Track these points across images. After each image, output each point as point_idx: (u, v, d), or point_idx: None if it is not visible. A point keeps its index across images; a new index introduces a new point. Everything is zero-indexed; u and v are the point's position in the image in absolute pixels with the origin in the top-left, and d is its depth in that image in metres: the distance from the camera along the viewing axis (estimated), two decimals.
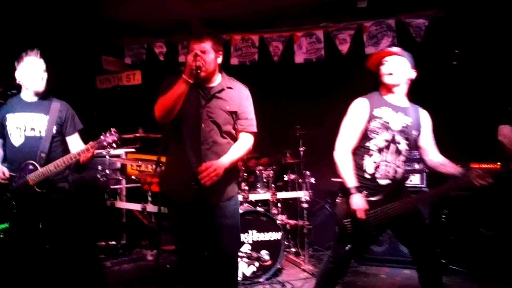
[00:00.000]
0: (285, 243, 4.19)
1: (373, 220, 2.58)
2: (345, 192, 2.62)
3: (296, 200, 4.49)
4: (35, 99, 3.09)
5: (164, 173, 2.65)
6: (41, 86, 3.05)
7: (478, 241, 3.95)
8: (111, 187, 4.81)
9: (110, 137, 3.01)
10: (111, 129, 3.05)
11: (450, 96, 4.50)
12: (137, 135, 4.65)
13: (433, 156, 2.76)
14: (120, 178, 5.01)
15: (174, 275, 3.88)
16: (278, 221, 4.06)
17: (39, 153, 2.99)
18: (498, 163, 3.91)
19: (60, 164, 2.95)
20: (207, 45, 2.43)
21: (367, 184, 2.65)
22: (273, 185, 4.46)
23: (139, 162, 5.00)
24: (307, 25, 5.04)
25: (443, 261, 3.98)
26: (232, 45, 5.21)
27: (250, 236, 3.86)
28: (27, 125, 3.04)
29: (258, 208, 4.13)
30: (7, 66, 3.12)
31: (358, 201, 2.55)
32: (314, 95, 5.22)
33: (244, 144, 2.56)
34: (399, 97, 2.72)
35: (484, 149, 4.02)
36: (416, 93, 2.80)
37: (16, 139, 3.03)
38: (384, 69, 2.69)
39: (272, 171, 4.46)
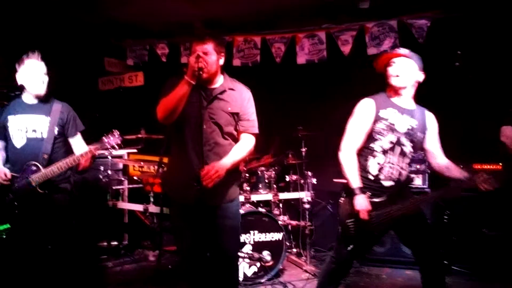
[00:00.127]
0: (287, 243, 4.19)
1: (376, 221, 2.58)
2: (349, 193, 2.62)
3: (298, 201, 4.50)
4: (36, 101, 3.11)
5: (166, 174, 2.66)
6: (42, 89, 3.07)
7: (481, 242, 3.94)
8: (113, 187, 4.82)
9: (113, 139, 3.03)
10: (114, 131, 3.06)
11: (452, 97, 4.49)
12: (139, 136, 4.66)
13: (439, 159, 2.74)
14: (122, 178, 5.02)
15: (176, 275, 3.89)
16: (280, 222, 4.06)
17: (42, 155, 3.00)
18: (500, 164, 3.92)
19: (63, 166, 2.97)
20: (209, 47, 2.43)
21: (371, 185, 2.65)
22: (275, 185, 4.46)
23: (141, 163, 5.01)
24: (309, 26, 5.04)
25: (445, 262, 3.97)
26: (234, 46, 5.22)
27: (251, 237, 3.86)
28: (29, 126, 3.05)
29: (260, 209, 4.13)
30: (10, 67, 3.13)
31: (362, 202, 2.55)
32: (316, 96, 5.22)
33: (245, 145, 2.57)
34: (405, 99, 2.71)
35: (486, 150, 4.01)
36: (418, 94, 2.79)
37: (18, 141, 3.04)
38: (391, 70, 2.67)
39: (274, 172, 4.46)
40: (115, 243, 4.84)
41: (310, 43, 5.05)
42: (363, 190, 2.59)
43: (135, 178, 5.06)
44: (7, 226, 3.07)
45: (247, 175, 4.32)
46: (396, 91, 2.70)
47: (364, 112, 2.69)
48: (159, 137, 4.58)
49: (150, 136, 4.68)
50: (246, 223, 3.76)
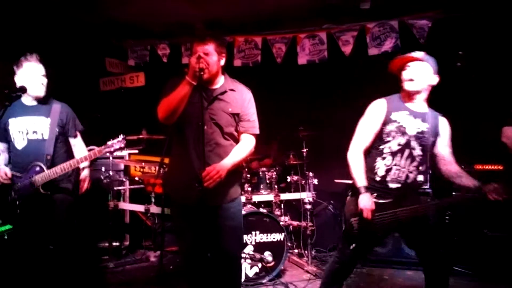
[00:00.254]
0: (288, 244, 4.19)
1: (379, 222, 2.59)
2: (355, 192, 2.63)
3: (299, 201, 4.50)
4: (35, 102, 3.12)
5: (168, 174, 2.66)
6: (41, 91, 3.08)
7: (482, 243, 3.93)
8: (115, 188, 4.82)
9: (117, 143, 3.04)
10: (120, 135, 3.07)
11: (454, 97, 4.48)
12: (141, 136, 4.66)
13: (449, 165, 2.72)
14: (124, 179, 5.02)
15: (177, 276, 3.89)
16: (281, 222, 4.06)
17: (45, 155, 3.01)
18: (501, 165, 3.92)
19: (67, 167, 2.98)
20: (210, 47, 2.44)
21: (377, 187, 2.65)
22: (276, 186, 4.46)
23: (143, 163, 5.00)
24: (310, 26, 5.04)
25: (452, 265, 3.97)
26: (235, 47, 5.22)
27: (253, 237, 3.86)
28: (29, 128, 3.06)
29: (261, 209, 4.12)
30: (10, 68, 3.13)
31: (366, 201, 2.55)
32: (317, 96, 5.22)
33: (246, 146, 2.57)
34: (418, 102, 2.69)
35: (487, 150, 4.01)
36: None
37: (19, 143, 3.06)
38: (405, 74, 2.65)
39: (275, 173, 4.46)
40: (117, 243, 4.84)
41: (311, 43, 5.05)
42: (369, 190, 2.59)
43: (136, 178, 5.06)
44: (9, 226, 3.08)
45: (248, 175, 4.32)
46: (409, 95, 2.68)
47: (374, 113, 2.69)
48: (160, 138, 4.59)
49: (151, 137, 4.68)
50: (247, 224, 3.76)
